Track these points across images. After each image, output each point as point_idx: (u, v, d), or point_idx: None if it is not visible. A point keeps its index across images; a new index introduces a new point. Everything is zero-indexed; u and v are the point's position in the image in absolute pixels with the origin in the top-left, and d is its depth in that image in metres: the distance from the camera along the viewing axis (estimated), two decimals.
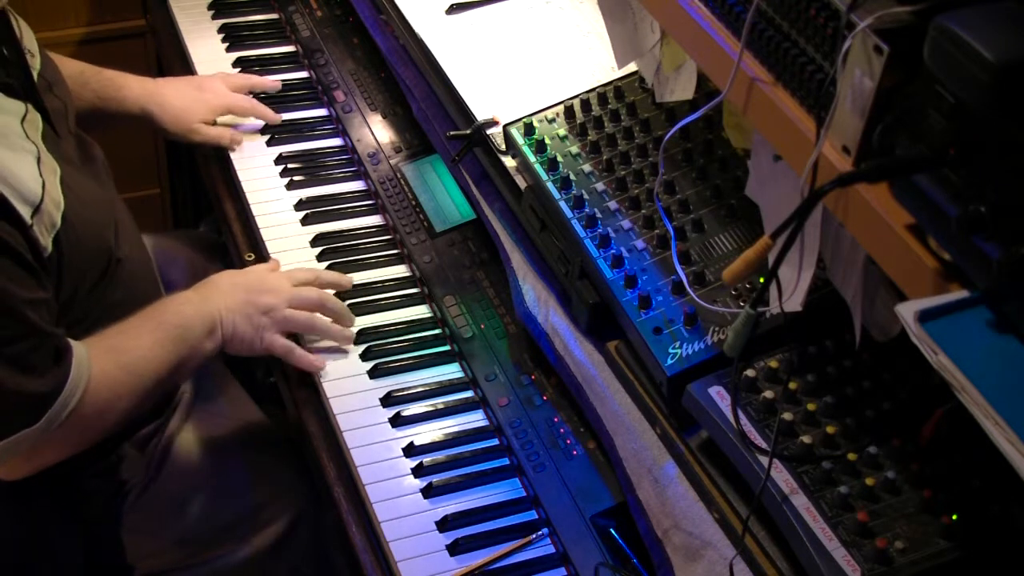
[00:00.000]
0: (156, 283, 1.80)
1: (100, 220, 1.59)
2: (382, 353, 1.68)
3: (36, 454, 1.47)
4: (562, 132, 1.61)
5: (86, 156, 1.67)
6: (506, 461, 1.55)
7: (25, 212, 1.40)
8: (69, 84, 1.80)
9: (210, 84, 2.05)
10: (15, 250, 1.38)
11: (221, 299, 1.63)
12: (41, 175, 1.45)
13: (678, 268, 1.39)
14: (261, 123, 2.07)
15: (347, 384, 1.64)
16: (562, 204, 1.52)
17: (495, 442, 1.57)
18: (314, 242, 1.86)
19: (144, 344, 1.55)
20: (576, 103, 1.64)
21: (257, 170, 2.00)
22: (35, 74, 1.57)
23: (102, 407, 1.49)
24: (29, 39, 1.60)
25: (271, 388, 1.90)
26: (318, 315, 1.68)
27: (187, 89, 2.03)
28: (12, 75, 1.50)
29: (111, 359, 1.51)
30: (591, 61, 1.78)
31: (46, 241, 1.44)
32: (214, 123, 2.03)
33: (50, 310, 1.45)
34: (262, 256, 1.85)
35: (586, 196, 1.52)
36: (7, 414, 1.40)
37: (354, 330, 1.70)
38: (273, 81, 2.11)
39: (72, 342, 1.47)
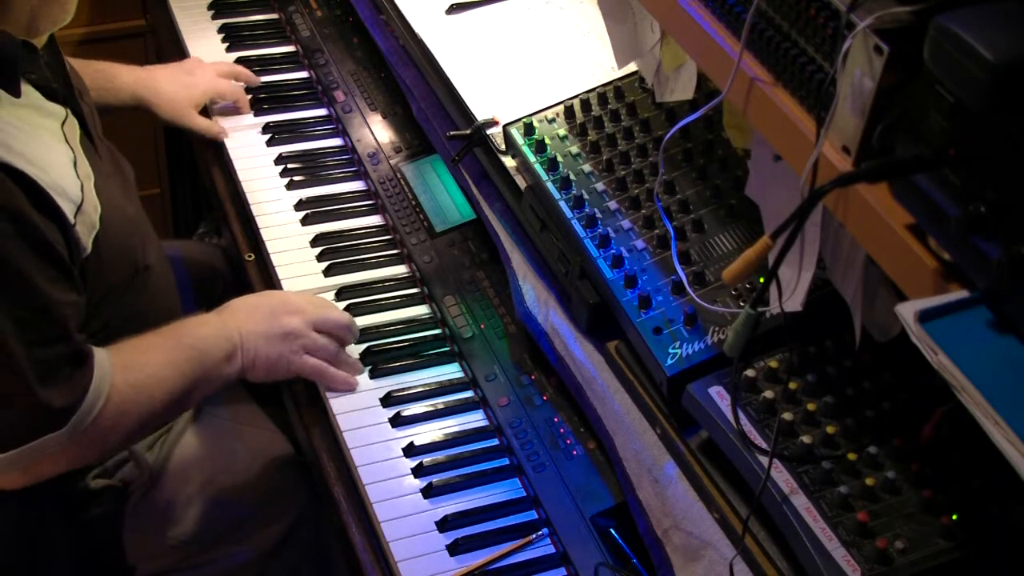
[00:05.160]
0: (176, 293, 1.80)
1: (129, 228, 1.59)
2: (382, 353, 1.68)
3: (35, 465, 1.45)
4: (562, 132, 1.61)
5: (116, 167, 1.68)
6: (506, 461, 1.55)
7: (69, 211, 1.41)
8: None
9: (200, 68, 2.08)
10: (57, 253, 1.39)
11: (242, 323, 1.59)
12: (79, 178, 1.46)
13: (678, 268, 1.39)
14: (260, 123, 2.07)
15: None
16: (562, 204, 1.52)
17: (495, 442, 1.57)
18: (314, 242, 1.86)
19: (156, 363, 1.52)
20: (576, 103, 1.64)
21: (257, 170, 2.00)
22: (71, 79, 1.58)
23: (107, 423, 1.46)
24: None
25: (271, 388, 1.89)
26: (341, 350, 1.64)
27: (178, 74, 2.06)
28: (55, 79, 1.51)
29: (119, 376, 1.48)
30: (591, 61, 1.78)
31: (87, 241, 1.45)
32: (206, 111, 2.06)
33: (79, 315, 1.45)
34: (262, 256, 1.85)
35: (586, 196, 1.52)
36: (33, 419, 1.40)
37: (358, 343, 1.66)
38: (255, 77, 2.14)
39: (96, 350, 1.46)
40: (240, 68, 2.13)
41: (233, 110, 2.10)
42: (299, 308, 1.63)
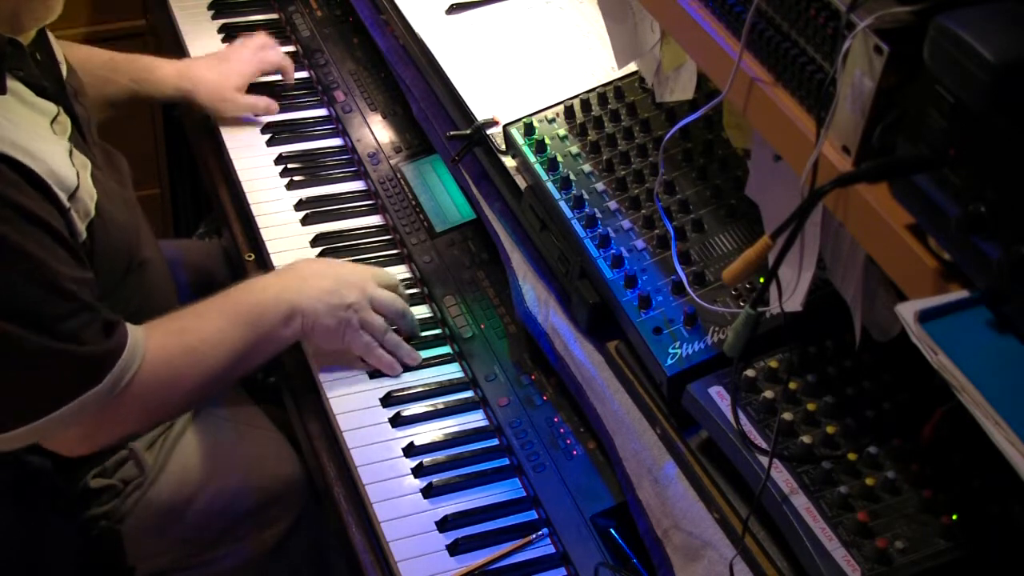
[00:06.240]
0: (173, 292, 1.80)
1: (126, 220, 1.60)
2: None
3: (97, 428, 1.47)
4: (562, 132, 1.61)
5: (111, 165, 1.68)
6: (506, 461, 1.55)
7: (63, 196, 1.42)
8: (101, 72, 1.88)
9: (235, 53, 2.10)
10: (59, 232, 1.40)
11: (304, 285, 1.61)
12: (74, 166, 1.46)
13: (678, 268, 1.39)
14: (260, 123, 2.07)
15: (347, 384, 1.64)
16: (562, 204, 1.52)
17: (495, 442, 1.57)
18: (314, 242, 1.86)
19: (212, 326, 1.54)
20: (576, 103, 1.64)
21: (257, 170, 2.00)
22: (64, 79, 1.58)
23: (163, 384, 1.49)
24: (56, 45, 1.61)
25: (271, 388, 1.90)
26: (390, 331, 1.65)
27: (215, 62, 2.08)
28: (46, 78, 1.51)
29: (174, 338, 1.51)
30: (591, 61, 1.78)
31: (81, 227, 1.46)
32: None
33: (93, 289, 1.46)
34: (262, 256, 1.85)
35: (586, 196, 1.52)
36: (69, 376, 1.41)
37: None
38: (290, 63, 2.14)
39: (125, 322, 1.47)
40: (277, 52, 2.13)
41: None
42: (360, 282, 1.64)
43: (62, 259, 1.40)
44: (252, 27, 2.30)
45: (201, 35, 2.27)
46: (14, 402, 1.41)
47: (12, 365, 1.38)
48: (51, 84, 1.53)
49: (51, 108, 1.50)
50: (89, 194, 1.49)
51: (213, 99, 2.01)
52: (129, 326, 1.47)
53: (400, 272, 1.83)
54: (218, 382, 1.59)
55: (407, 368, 1.66)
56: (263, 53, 2.10)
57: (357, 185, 1.99)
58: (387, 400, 1.61)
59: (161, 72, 2.00)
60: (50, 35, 1.61)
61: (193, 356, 1.52)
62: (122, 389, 1.44)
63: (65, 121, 1.53)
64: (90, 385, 1.42)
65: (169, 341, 1.51)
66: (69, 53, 1.75)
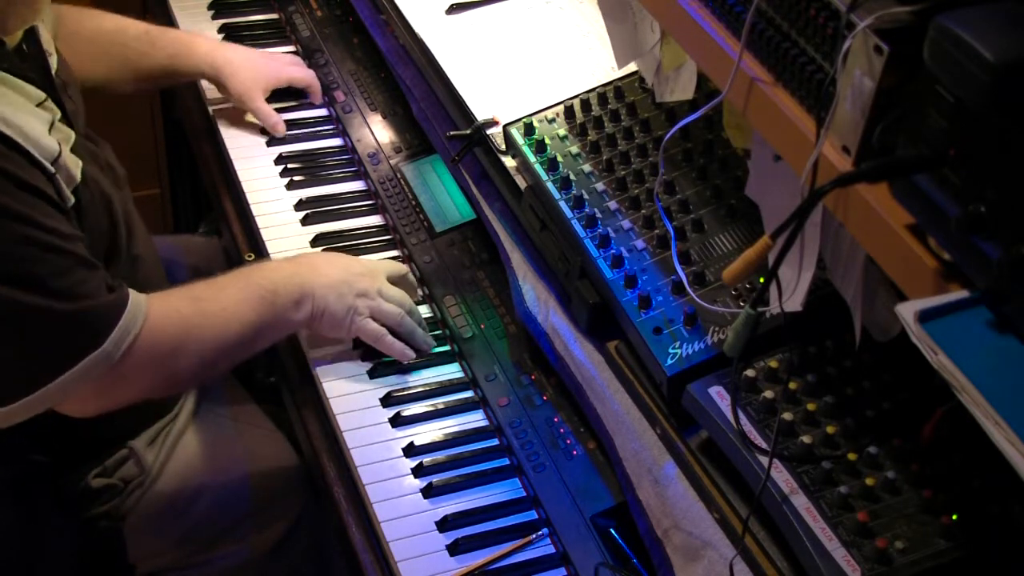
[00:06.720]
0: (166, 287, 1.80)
1: (109, 199, 1.58)
2: (381, 353, 1.68)
3: (107, 389, 1.46)
4: (562, 132, 1.61)
5: (96, 155, 1.68)
6: (506, 461, 1.55)
7: (46, 162, 1.41)
8: (137, 45, 1.90)
9: (275, 55, 2.12)
10: (48, 194, 1.40)
11: (315, 273, 1.62)
12: (53, 137, 1.45)
13: (678, 268, 1.39)
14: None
15: (347, 384, 1.64)
16: (562, 204, 1.52)
17: (495, 442, 1.57)
18: (314, 242, 1.86)
19: (227, 297, 1.55)
20: (576, 103, 1.64)
21: (257, 170, 2.00)
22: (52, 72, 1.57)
23: (173, 345, 1.48)
24: (47, 39, 1.61)
25: (271, 388, 1.90)
26: (406, 315, 1.66)
27: (253, 53, 2.08)
28: (33, 70, 1.51)
29: (190, 304, 1.52)
30: (591, 61, 1.78)
31: (68, 192, 1.45)
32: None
33: (87, 247, 1.45)
34: (262, 256, 1.85)
35: (586, 196, 1.52)
36: (70, 338, 1.39)
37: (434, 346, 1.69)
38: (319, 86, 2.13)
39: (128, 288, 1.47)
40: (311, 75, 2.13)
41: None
42: (371, 272, 1.66)
43: (55, 217, 1.39)
44: (252, 27, 2.30)
45: (201, 35, 2.26)
46: (19, 369, 1.40)
47: (13, 329, 1.37)
48: (38, 75, 1.52)
49: (38, 94, 1.49)
50: (73, 161, 1.48)
51: (240, 87, 2.00)
52: (131, 290, 1.46)
53: None
54: (227, 356, 1.58)
55: (422, 354, 1.67)
56: (299, 67, 2.11)
57: (357, 185, 1.99)
58: (387, 400, 1.61)
59: (199, 48, 2.00)
60: (41, 27, 1.60)
61: (205, 320, 1.52)
62: (127, 349, 1.42)
63: (52, 107, 1.52)
64: (92, 346, 1.40)
65: (183, 304, 1.52)
66: (101, 23, 1.74)
